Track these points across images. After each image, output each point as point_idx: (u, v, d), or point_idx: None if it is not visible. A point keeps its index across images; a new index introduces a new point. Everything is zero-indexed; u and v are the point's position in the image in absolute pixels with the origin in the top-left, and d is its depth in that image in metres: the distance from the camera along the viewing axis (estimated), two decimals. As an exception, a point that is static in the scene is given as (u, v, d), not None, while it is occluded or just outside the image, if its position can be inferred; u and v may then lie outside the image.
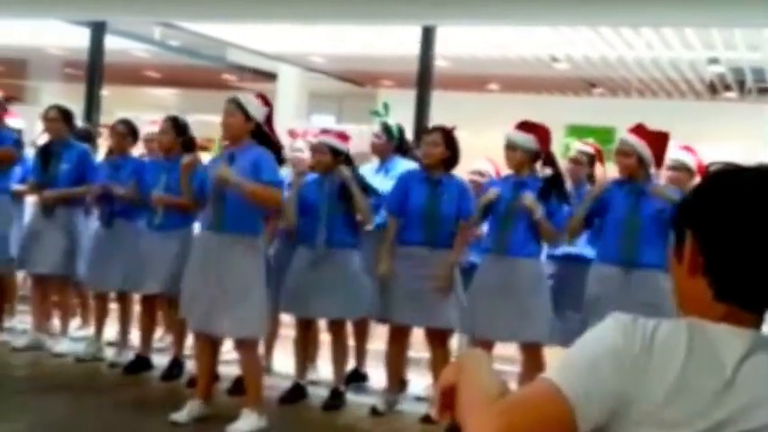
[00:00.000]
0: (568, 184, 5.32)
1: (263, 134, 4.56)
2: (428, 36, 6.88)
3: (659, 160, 4.58)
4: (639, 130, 4.54)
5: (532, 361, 4.65)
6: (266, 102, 4.63)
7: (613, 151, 4.68)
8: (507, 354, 5.14)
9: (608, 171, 5.48)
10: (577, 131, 10.32)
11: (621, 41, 8.93)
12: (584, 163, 5.45)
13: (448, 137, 4.88)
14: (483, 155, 5.90)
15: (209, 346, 4.66)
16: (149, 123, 6.11)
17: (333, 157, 5.01)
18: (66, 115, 5.94)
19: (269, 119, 4.62)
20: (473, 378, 1.18)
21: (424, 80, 6.91)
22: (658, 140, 4.53)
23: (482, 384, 1.16)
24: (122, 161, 5.74)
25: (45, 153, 5.88)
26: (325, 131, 5.25)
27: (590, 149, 5.53)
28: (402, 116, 5.96)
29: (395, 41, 8.85)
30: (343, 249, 5.00)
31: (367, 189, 5.04)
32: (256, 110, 4.52)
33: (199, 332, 4.62)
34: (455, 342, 5.35)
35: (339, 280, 4.96)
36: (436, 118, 5.96)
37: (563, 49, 9.61)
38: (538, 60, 10.24)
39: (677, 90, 11.81)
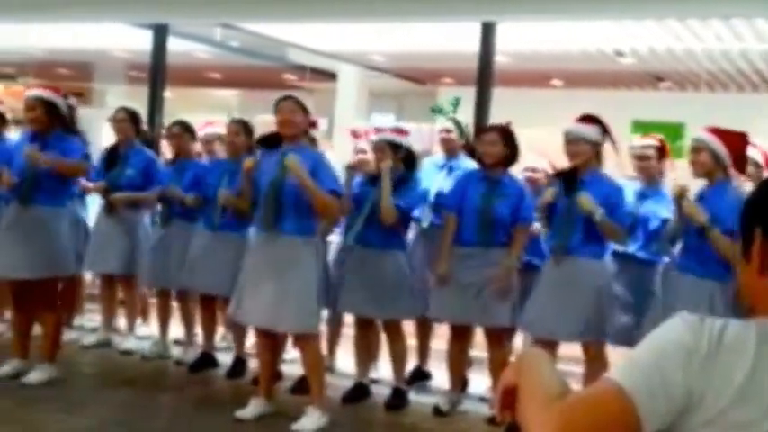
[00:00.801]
0: (638, 183, 5.25)
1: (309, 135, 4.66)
2: (488, 32, 6.85)
3: (740, 162, 4.36)
4: (715, 129, 4.39)
5: (596, 361, 4.62)
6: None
7: (687, 149, 4.57)
8: (572, 354, 5.10)
9: (679, 169, 5.34)
10: (644, 127, 10.14)
11: (689, 33, 8.75)
12: (653, 157, 5.31)
13: (506, 135, 4.86)
14: (546, 152, 5.85)
15: (271, 345, 4.73)
16: (206, 125, 6.21)
17: (392, 153, 5.04)
18: (133, 117, 6.09)
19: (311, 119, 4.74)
20: (533, 378, 1.19)
21: (484, 77, 6.87)
22: (736, 140, 4.34)
23: (542, 384, 1.17)
24: (186, 164, 5.85)
25: (112, 154, 6.04)
26: (380, 129, 5.28)
27: (654, 142, 5.40)
28: (462, 114, 5.95)
29: (455, 38, 8.82)
30: (380, 250, 5.00)
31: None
32: (308, 110, 4.62)
33: (258, 329, 4.68)
34: (519, 342, 5.34)
35: (391, 280, 4.98)
36: (497, 115, 5.94)
37: (628, 43, 9.46)
38: (602, 55, 10.10)
39: (749, 83, 11.53)
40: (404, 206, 4.95)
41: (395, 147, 5.05)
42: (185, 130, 5.91)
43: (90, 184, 6.01)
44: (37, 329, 5.20)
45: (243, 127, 5.53)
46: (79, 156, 5.07)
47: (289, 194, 4.48)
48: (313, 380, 4.65)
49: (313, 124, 5.00)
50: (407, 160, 5.08)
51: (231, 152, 5.57)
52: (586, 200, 4.50)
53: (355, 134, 5.86)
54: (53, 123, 5.03)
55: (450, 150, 5.65)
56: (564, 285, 4.57)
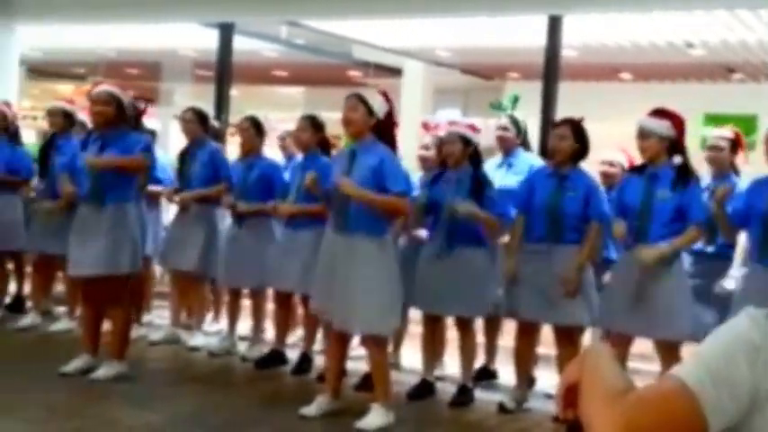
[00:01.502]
0: (708, 175, 5.15)
1: (384, 132, 4.62)
2: (555, 25, 6.79)
3: None
4: None
5: (670, 358, 4.54)
6: (388, 99, 4.68)
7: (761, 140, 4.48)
8: (644, 351, 5.04)
9: (753, 163, 5.22)
10: (716, 120, 9.91)
11: (761, 24, 8.53)
12: (726, 148, 5.20)
13: (577, 129, 4.81)
14: (625, 147, 5.77)
15: (339, 342, 4.76)
16: (278, 122, 6.28)
17: (463, 148, 5.02)
18: (201, 116, 6.19)
19: (390, 116, 4.66)
20: (596, 374, 1.18)
21: (551, 71, 6.82)
22: None
23: (605, 381, 1.16)
24: (255, 161, 5.92)
25: (183, 156, 6.15)
26: (453, 123, 5.27)
27: (729, 133, 5.29)
28: (530, 109, 5.91)
29: (521, 32, 8.76)
30: (468, 247, 4.99)
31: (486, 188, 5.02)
32: (379, 106, 4.58)
33: (335, 329, 4.71)
34: (587, 339, 5.28)
35: (465, 277, 4.97)
36: (564, 110, 5.88)
37: (698, 34, 9.26)
38: (672, 47, 9.91)
39: (826, 73, 11.19)
40: (500, 211, 4.95)
41: (466, 142, 5.03)
42: (254, 125, 5.99)
43: (157, 189, 6.15)
44: (106, 326, 5.33)
45: (311, 123, 5.57)
46: (139, 149, 5.13)
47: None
48: (378, 378, 4.66)
49: (475, 129, 5.04)
50: (474, 158, 5.06)
51: (298, 147, 5.62)
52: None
53: (426, 126, 5.83)
54: (116, 120, 5.14)
55: (507, 148, 5.62)
56: (639, 282, 4.49)
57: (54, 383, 5.03)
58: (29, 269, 7.04)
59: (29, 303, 6.85)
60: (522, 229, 4.87)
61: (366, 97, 4.56)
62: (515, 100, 5.71)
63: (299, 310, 6.13)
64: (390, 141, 4.63)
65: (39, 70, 14.19)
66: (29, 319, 6.53)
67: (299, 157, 5.80)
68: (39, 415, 4.46)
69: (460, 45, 10.45)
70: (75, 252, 5.15)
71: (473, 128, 5.15)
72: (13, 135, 6.74)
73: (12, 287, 7.08)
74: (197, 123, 6.13)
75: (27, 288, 7.04)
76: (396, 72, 12.08)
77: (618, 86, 12.44)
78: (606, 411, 1.10)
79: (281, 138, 6.16)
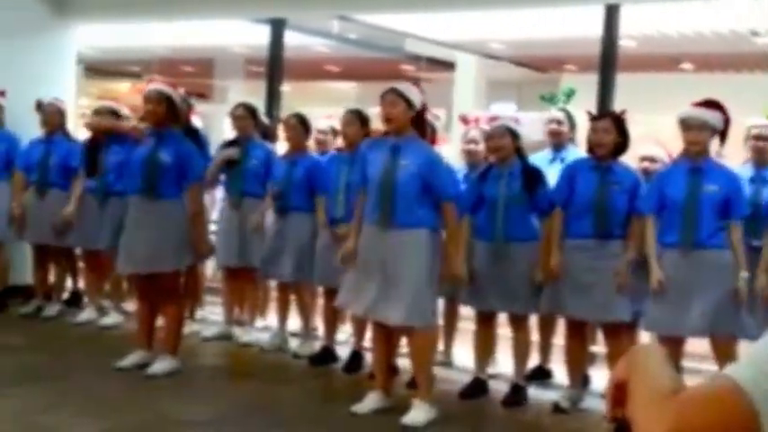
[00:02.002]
0: (750, 165, 5.05)
1: (419, 123, 4.60)
2: (611, 15, 6.67)
3: None
4: None
5: (726, 357, 4.44)
6: (421, 89, 4.66)
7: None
8: (700, 350, 4.93)
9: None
10: (782, 111, 9.67)
11: (832, 10, 8.28)
12: None
13: (619, 123, 4.73)
14: (663, 141, 5.66)
15: (385, 338, 4.75)
16: (324, 117, 6.29)
17: (512, 141, 4.97)
18: (252, 112, 6.24)
19: (423, 107, 4.65)
20: (645, 373, 1.15)
21: (607, 63, 6.70)
22: None
23: (654, 379, 1.13)
24: (300, 158, 5.94)
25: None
26: (497, 117, 5.21)
27: None
28: (588, 102, 5.82)
29: (577, 23, 8.65)
30: (522, 243, 4.94)
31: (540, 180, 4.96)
32: (416, 98, 4.55)
33: (375, 322, 4.71)
34: (644, 337, 5.19)
35: (518, 273, 4.92)
36: (623, 102, 5.77)
37: (764, 22, 9.03)
38: (736, 35, 9.68)
39: None
40: (547, 208, 4.90)
41: (513, 135, 4.98)
42: (300, 122, 6.01)
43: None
44: (161, 321, 5.41)
45: (357, 117, 5.57)
46: (201, 167, 5.25)
47: (401, 186, 4.48)
48: (420, 373, 4.66)
49: (517, 122, 5.01)
50: (518, 152, 5.01)
51: (345, 143, 5.63)
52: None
53: (465, 120, 5.77)
54: (168, 118, 5.20)
55: (559, 143, 5.54)
56: (691, 279, 4.40)
57: (110, 378, 5.13)
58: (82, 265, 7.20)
59: (85, 299, 6.99)
60: (562, 225, 4.80)
61: (404, 90, 4.53)
62: (571, 93, 5.63)
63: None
64: (424, 132, 4.62)
65: (95, 69, 14.45)
66: (85, 314, 6.67)
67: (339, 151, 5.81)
68: (94, 409, 4.55)
69: (514, 37, 10.36)
70: (128, 248, 5.23)
71: (517, 121, 5.10)
72: (68, 132, 6.91)
73: (67, 283, 7.23)
74: (248, 119, 6.18)
75: (82, 283, 7.18)
76: (448, 66, 12.03)
77: (678, 77, 12.21)
78: (654, 411, 1.07)
79: (322, 132, 6.16)
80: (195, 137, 5.70)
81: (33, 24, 7.68)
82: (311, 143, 6.20)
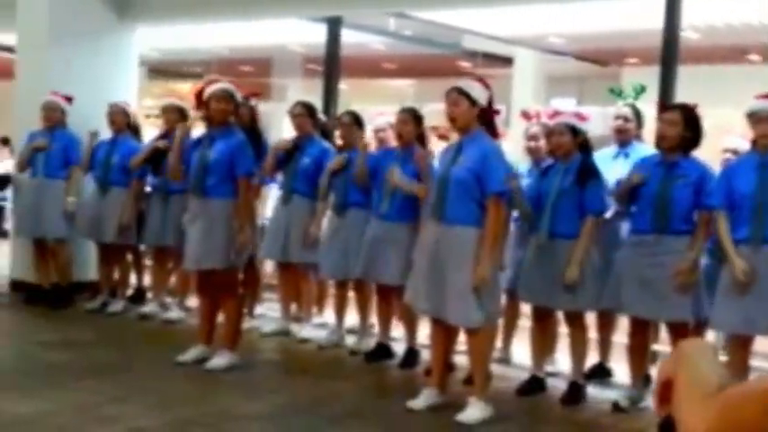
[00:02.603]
0: None
1: (487, 119, 4.60)
2: (673, 6, 6.58)
3: None
4: None
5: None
6: (486, 85, 4.65)
7: None
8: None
9: None
10: None
11: None
12: None
13: (689, 116, 4.65)
14: (737, 134, 5.56)
15: (443, 335, 4.78)
16: (377, 115, 6.34)
17: (572, 139, 4.95)
18: (310, 110, 6.32)
19: (490, 103, 4.64)
20: (691, 369, 1.15)
21: (669, 55, 6.61)
22: None
23: (700, 376, 1.13)
24: (353, 155, 5.99)
25: (292, 148, 6.30)
26: (559, 112, 5.19)
27: None
28: (651, 95, 5.75)
29: (638, 15, 8.54)
30: (567, 241, 4.89)
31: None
32: (480, 94, 4.56)
33: (433, 319, 4.74)
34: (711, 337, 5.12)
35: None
36: (686, 95, 5.68)
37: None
38: (804, 25, 9.47)
39: None
40: (598, 208, 4.87)
41: (574, 132, 4.95)
42: (354, 120, 6.07)
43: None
44: (221, 317, 5.52)
45: (412, 115, 5.60)
46: (250, 162, 5.36)
47: (455, 183, 4.51)
48: (476, 370, 4.67)
49: (583, 117, 5.00)
50: (584, 147, 4.98)
51: (399, 140, 5.67)
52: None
53: (526, 115, 5.75)
54: (232, 116, 5.33)
55: (625, 139, 5.48)
56: (763, 275, 4.32)
57: (170, 372, 5.26)
58: (147, 262, 7.38)
59: (149, 295, 7.17)
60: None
61: (466, 88, 4.54)
62: (641, 90, 5.55)
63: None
64: (492, 129, 4.61)
65: (158, 70, 14.73)
66: (148, 309, 6.85)
67: (393, 148, 5.84)
68: (154, 402, 4.67)
69: (574, 31, 10.28)
70: (189, 245, 5.35)
71: (581, 116, 5.06)
72: (134, 132, 7.09)
73: (131, 279, 7.42)
74: (306, 117, 6.26)
75: (146, 280, 7.36)
76: (507, 61, 11.98)
77: (745, 69, 11.95)
78: (698, 407, 1.07)
79: (380, 129, 6.20)
80: (258, 140, 5.81)
81: (97, 27, 7.88)
82: (372, 141, 6.25)
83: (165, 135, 6.68)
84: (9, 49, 8.57)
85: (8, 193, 8.33)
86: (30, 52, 7.70)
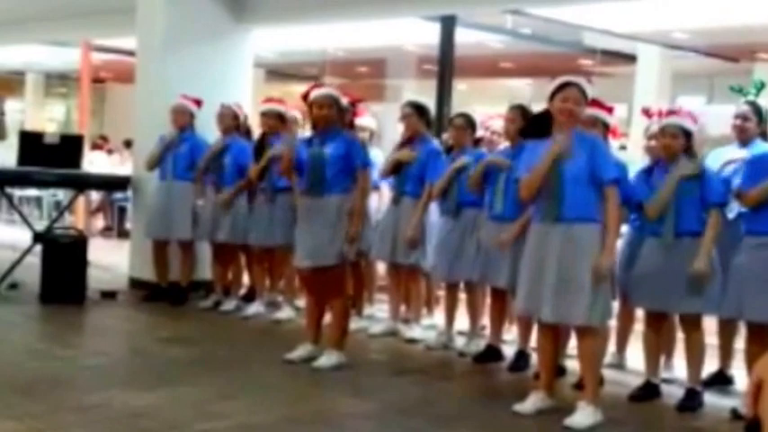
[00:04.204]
0: None
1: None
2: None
3: None
4: None
5: None
6: (590, 81, 4.70)
7: None
8: None
9: None
10: None
11: None
12: None
13: None
14: None
15: (552, 338, 4.76)
16: (487, 118, 6.34)
17: (685, 142, 4.86)
18: (420, 110, 6.38)
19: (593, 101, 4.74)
20: None
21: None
22: None
23: None
24: (459, 155, 6.04)
25: (401, 148, 6.40)
26: (673, 111, 5.09)
27: None
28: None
29: (768, 7, 8.25)
30: (693, 239, 4.81)
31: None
32: (590, 92, 4.60)
33: (544, 322, 4.72)
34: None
35: (685, 272, 4.79)
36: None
37: None
38: None
39: None
40: (721, 200, 4.80)
41: (687, 134, 4.86)
42: (467, 122, 6.10)
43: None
44: (328, 316, 5.65)
45: (521, 113, 5.60)
46: (360, 163, 5.47)
47: (566, 181, 4.48)
48: (587, 374, 4.63)
49: (694, 118, 4.97)
50: (688, 150, 4.88)
51: (507, 138, 5.68)
52: None
53: (647, 113, 5.66)
54: (336, 121, 5.47)
55: (745, 139, 5.31)
56: None
57: (279, 370, 5.42)
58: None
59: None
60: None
61: (584, 86, 4.56)
62: (762, 86, 5.40)
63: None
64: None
65: (275, 72, 15.14)
66: (254, 308, 7.07)
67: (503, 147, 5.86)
68: (262, 399, 4.82)
69: (701, 25, 10.00)
70: (299, 244, 5.50)
71: (693, 117, 4.95)
72: (245, 134, 7.34)
73: (245, 279, 7.67)
74: (416, 117, 6.33)
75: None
76: (630, 58, 11.75)
77: None
78: None
79: (495, 132, 6.19)
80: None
81: (213, 30, 8.19)
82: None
83: (263, 139, 6.87)
84: (131, 53, 8.99)
85: (129, 193, 8.71)
86: (148, 56, 8.07)
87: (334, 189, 5.40)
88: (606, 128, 5.25)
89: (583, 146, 4.50)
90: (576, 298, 4.44)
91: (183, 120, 7.34)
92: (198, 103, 7.41)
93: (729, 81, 11.80)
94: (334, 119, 5.47)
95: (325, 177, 5.39)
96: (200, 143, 7.35)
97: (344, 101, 5.66)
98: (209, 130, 7.38)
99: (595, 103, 5.07)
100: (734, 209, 5.11)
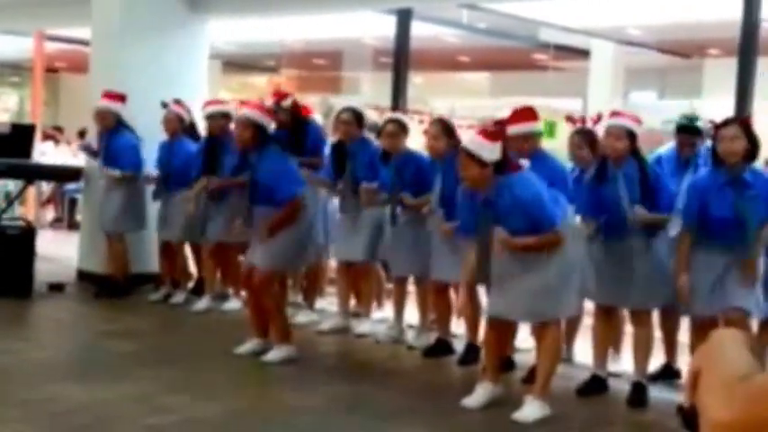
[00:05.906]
0: None
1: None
2: (752, -5, 6.38)
3: None
4: None
5: None
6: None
7: None
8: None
9: None
10: None
11: None
12: None
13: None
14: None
15: (502, 332, 4.75)
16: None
17: (629, 142, 4.81)
18: (358, 117, 6.31)
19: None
20: (718, 358, 1.12)
21: (747, 46, 6.41)
22: None
23: (727, 364, 1.09)
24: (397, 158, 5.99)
25: (339, 152, 6.31)
26: (616, 113, 5.06)
27: None
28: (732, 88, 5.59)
29: (719, 3, 8.30)
30: (640, 236, 4.82)
31: None
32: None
33: (496, 318, 4.70)
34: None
35: (639, 266, 4.81)
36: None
37: None
38: None
39: None
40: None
41: (631, 135, 4.82)
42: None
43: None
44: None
45: (443, 127, 5.64)
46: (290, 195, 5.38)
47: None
48: (542, 369, 4.62)
49: (637, 120, 4.90)
50: (635, 152, 4.84)
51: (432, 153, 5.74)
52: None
53: (572, 120, 5.61)
54: (259, 140, 5.39)
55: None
56: None
57: (227, 364, 5.34)
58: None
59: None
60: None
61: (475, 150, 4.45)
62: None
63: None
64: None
65: (232, 63, 14.98)
66: (203, 303, 6.97)
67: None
68: (210, 393, 4.76)
69: (654, 22, 10.04)
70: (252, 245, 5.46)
71: (636, 119, 4.92)
72: (191, 133, 7.17)
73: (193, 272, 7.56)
74: (354, 124, 6.25)
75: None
76: (584, 53, 11.79)
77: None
78: (723, 395, 1.04)
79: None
80: (304, 131, 5.99)
81: (169, 21, 8.04)
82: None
83: (213, 141, 6.75)
84: (85, 43, 8.82)
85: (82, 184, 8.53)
86: (103, 46, 7.91)
87: (265, 202, 5.34)
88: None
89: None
90: (546, 295, 4.47)
91: (106, 122, 7.18)
92: (122, 98, 7.21)
93: (680, 77, 11.89)
94: (251, 141, 5.38)
95: (256, 197, 5.38)
96: (127, 137, 7.16)
97: (264, 120, 5.53)
98: (155, 121, 7.16)
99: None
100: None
